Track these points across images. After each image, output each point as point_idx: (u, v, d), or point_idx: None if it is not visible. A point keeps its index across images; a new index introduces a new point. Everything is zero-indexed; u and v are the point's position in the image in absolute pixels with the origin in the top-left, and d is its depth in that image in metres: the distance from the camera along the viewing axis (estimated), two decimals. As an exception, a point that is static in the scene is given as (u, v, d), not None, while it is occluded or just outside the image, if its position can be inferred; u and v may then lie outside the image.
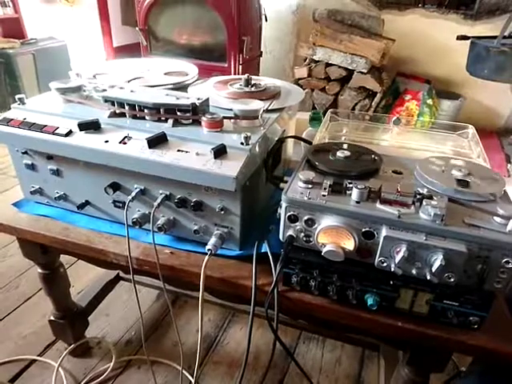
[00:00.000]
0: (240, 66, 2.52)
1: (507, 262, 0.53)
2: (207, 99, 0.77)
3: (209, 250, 0.69)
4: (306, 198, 0.60)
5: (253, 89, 0.92)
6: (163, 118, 0.75)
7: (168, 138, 0.70)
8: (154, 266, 0.72)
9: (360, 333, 0.74)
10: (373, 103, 2.52)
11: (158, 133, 0.70)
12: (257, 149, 0.71)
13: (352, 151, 0.72)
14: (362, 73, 2.47)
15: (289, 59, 3.13)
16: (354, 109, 2.54)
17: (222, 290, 0.72)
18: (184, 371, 1.07)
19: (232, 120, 0.77)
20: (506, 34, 2.10)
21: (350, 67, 2.49)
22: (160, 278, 0.73)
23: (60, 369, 1.09)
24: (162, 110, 0.75)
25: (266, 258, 0.70)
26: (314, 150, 0.75)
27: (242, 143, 0.68)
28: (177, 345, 1.15)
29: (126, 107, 0.76)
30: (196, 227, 0.74)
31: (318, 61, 2.60)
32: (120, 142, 0.71)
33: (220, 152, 0.66)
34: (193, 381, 0.86)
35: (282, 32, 3.09)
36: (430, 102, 2.48)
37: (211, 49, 2.61)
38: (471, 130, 0.94)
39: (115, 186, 0.76)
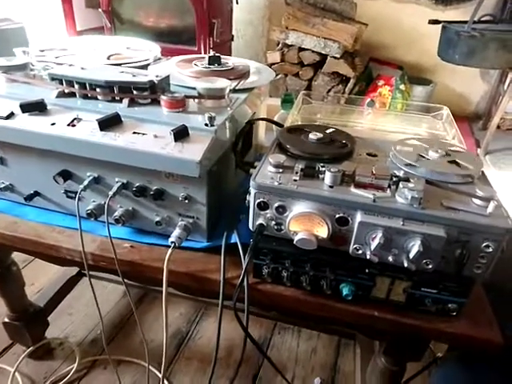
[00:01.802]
0: (210, 50, 2.43)
1: (487, 247, 0.50)
2: (167, 76, 0.70)
3: (172, 242, 0.63)
4: (276, 184, 0.55)
5: (219, 67, 0.86)
6: (118, 98, 0.68)
7: (122, 119, 0.63)
8: (112, 261, 0.66)
9: (335, 323, 0.71)
10: (346, 89, 2.50)
11: (111, 113, 0.62)
12: (223, 131, 0.65)
13: (325, 133, 0.68)
14: (335, 58, 2.43)
15: (261, 44, 3.05)
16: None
17: (188, 285, 0.66)
18: (154, 369, 1.01)
19: (196, 100, 0.71)
20: (476, 18, 2.11)
21: (323, 52, 2.44)
22: (119, 274, 0.67)
23: (17, 373, 1.01)
24: (115, 89, 0.67)
25: (236, 249, 0.65)
26: (286, 133, 0.70)
27: (206, 124, 0.62)
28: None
29: (76, 86, 0.69)
30: (158, 218, 0.68)
31: (291, 45, 2.54)
32: (68, 125, 0.63)
33: (181, 134, 0.60)
34: (161, 377, 0.81)
35: (254, 15, 3.00)
36: (402, 87, 2.48)
37: (180, 32, 2.50)
38: (445, 111, 0.92)
39: (66, 175, 0.68)
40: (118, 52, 0.89)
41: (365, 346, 0.99)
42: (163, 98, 0.66)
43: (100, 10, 2.52)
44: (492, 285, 0.63)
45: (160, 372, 1.03)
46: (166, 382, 1.01)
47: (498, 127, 2.60)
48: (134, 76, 0.69)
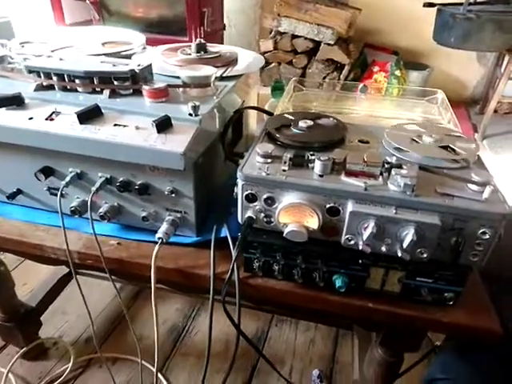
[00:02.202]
0: (201, 40, 2.38)
1: (484, 233, 0.48)
2: (149, 65, 0.67)
3: (159, 238, 0.61)
4: (264, 174, 0.53)
5: (206, 55, 0.83)
6: (98, 89, 0.65)
7: (103, 110, 0.61)
8: (99, 259, 0.64)
9: (329, 316, 0.70)
10: (341, 76, 2.46)
11: (91, 105, 0.60)
12: (209, 120, 0.62)
13: (315, 121, 0.66)
14: (328, 44, 2.39)
15: (254, 32, 2.99)
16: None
17: (178, 281, 0.65)
18: (149, 365, 1.00)
19: (181, 89, 0.68)
20: (472, 0, 2.06)
21: (316, 38, 2.39)
22: (106, 272, 0.65)
23: (10, 375, 0.99)
24: (95, 80, 0.65)
25: (227, 243, 0.63)
26: (274, 121, 0.68)
27: (190, 114, 0.59)
28: (141, 339, 1.07)
29: (54, 78, 0.66)
30: (144, 213, 0.66)
31: (284, 33, 2.49)
32: (46, 119, 0.61)
33: (164, 124, 0.57)
34: (155, 372, 0.80)
35: (246, 3, 2.94)
36: (397, 73, 2.44)
37: (170, 22, 2.45)
38: (440, 95, 0.89)
39: (47, 171, 0.66)
40: (108, 41, 0.86)
41: (363, 337, 0.98)
42: (145, 88, 0.63)
43: (88, 1, 2.46)
44: (489, 273, 0.61)
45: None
46: (161, 377, 1.00)
47: (496, 111, 2.57)
48: (114, 66, 0.66)
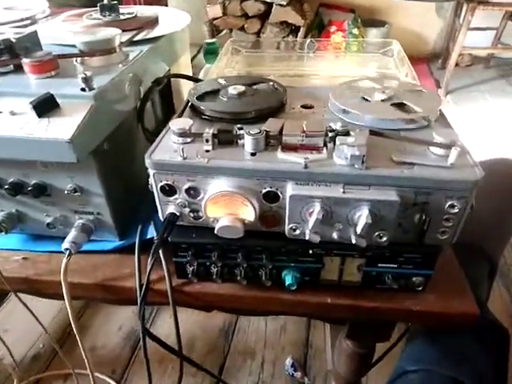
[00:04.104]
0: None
1: (452, 206, 0.39)
2: (33, 33, 0.53)
3: (66, 249, 0.49)
4: (180, 159, 0.42)
5: (117, 18, 0.69)
6: (-34, 68, 0.51)
7: (-30, 96, 0.47)
8: (1, 280, 0.52)
9: (286, 314, 0.61)
10: (298, 38, 2.31)
11: None
12: (112, 94, 0.50)
13: (249, 86, 0.54)
14: (281, 5, 2.22)
15: (202, -1, 2.76)
16: (278, 47, 2.32)
17: (101, 297, 0.54)
18: (106, 378, 0.91)
19: (78, 60, 0.55)
20: None
21: (267, 0, 2.22)
22: (14, 294, 0.54)
23: None
24: (-41, 56, 0.50)
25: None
26: (200, 89, 0.55)
27: (82, 89, 0.46)
28: (94, 349, 0.97)
29: None
30: (49, 219, 0.53)
31: (232, -4, 2.30)
32: None
33: (45, 106, 0.44)
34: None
35: (189, -34, 2.69)
36: (355, 31, 2.32)
37: (106, -8, 2.20)
38: (396, 45, 0.79)
39: None
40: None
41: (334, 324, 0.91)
42: (25, 62, 0.49)
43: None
44: (461, 242, 0.53)
45: (115, 381, 0.93)
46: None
47: (457, 65, 2.51)
48: (-17, 36, 0.51)
